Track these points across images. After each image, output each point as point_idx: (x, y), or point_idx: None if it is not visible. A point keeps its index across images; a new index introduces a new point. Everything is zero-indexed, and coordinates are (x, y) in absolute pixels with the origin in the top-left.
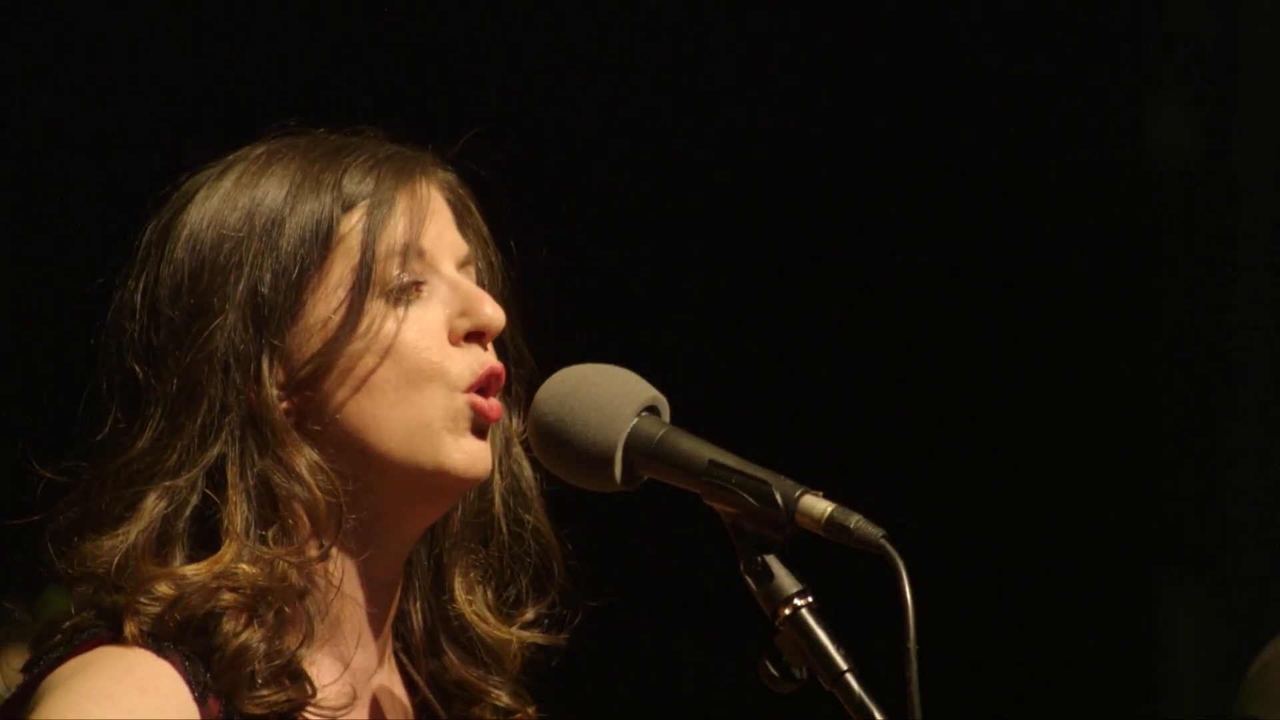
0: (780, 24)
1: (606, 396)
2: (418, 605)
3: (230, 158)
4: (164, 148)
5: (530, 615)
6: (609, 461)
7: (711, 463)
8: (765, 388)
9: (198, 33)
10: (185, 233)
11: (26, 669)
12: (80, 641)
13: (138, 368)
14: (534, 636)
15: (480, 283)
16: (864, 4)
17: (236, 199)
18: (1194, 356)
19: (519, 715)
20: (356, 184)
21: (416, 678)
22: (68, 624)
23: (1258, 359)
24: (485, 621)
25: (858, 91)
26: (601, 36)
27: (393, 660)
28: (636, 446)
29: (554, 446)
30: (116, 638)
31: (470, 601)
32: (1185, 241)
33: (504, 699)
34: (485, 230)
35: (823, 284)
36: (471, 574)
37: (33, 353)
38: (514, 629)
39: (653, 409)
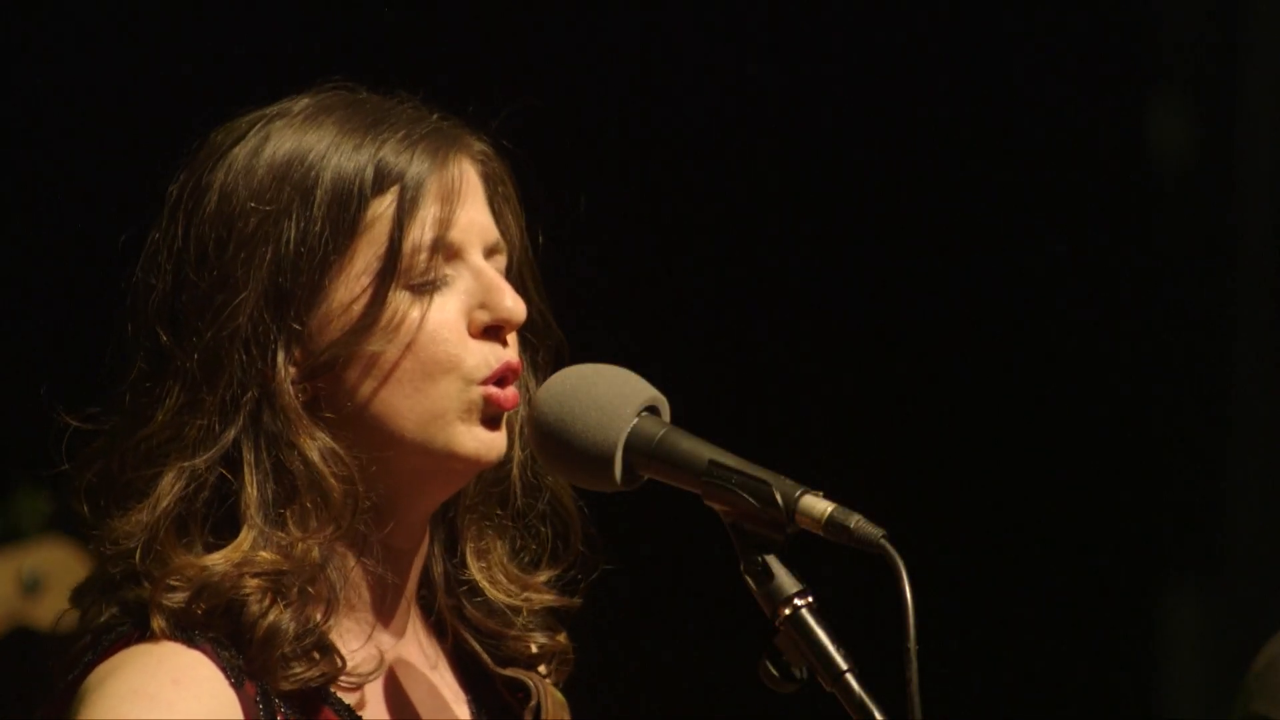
0: (783, 21)
1: (606, 396)
2: (438, 563)
3: (265, 113)
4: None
5: (544, 578)
6: (609, 462)
7: (711, 463)
8: (765, 387)
9: None
10: (215, 195)
11: (59, 678)
12: (108, 643)
13: (161, 331)
14: (546, 600)
15: (509, 265)
16: (865, 3)
17: (269, 167)
18: (1194, 356)
19: (550, 645)
20: (390, 164)
21: (448, 621)
22: (94, 624)
23: (1258, 359)
24: (496, 585)
25: (857, 91)
26: (608, 34)
27: (418, 617)
28: (636, 446)
29: (554, 446)
30: (144, 634)
31: (484, 568)
32: (1185, 241)
33: (535, 638)
34: (517, 200)
35: (821, 284)
36: (485, 539)
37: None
38: (526, 593)
39: (653, 409)
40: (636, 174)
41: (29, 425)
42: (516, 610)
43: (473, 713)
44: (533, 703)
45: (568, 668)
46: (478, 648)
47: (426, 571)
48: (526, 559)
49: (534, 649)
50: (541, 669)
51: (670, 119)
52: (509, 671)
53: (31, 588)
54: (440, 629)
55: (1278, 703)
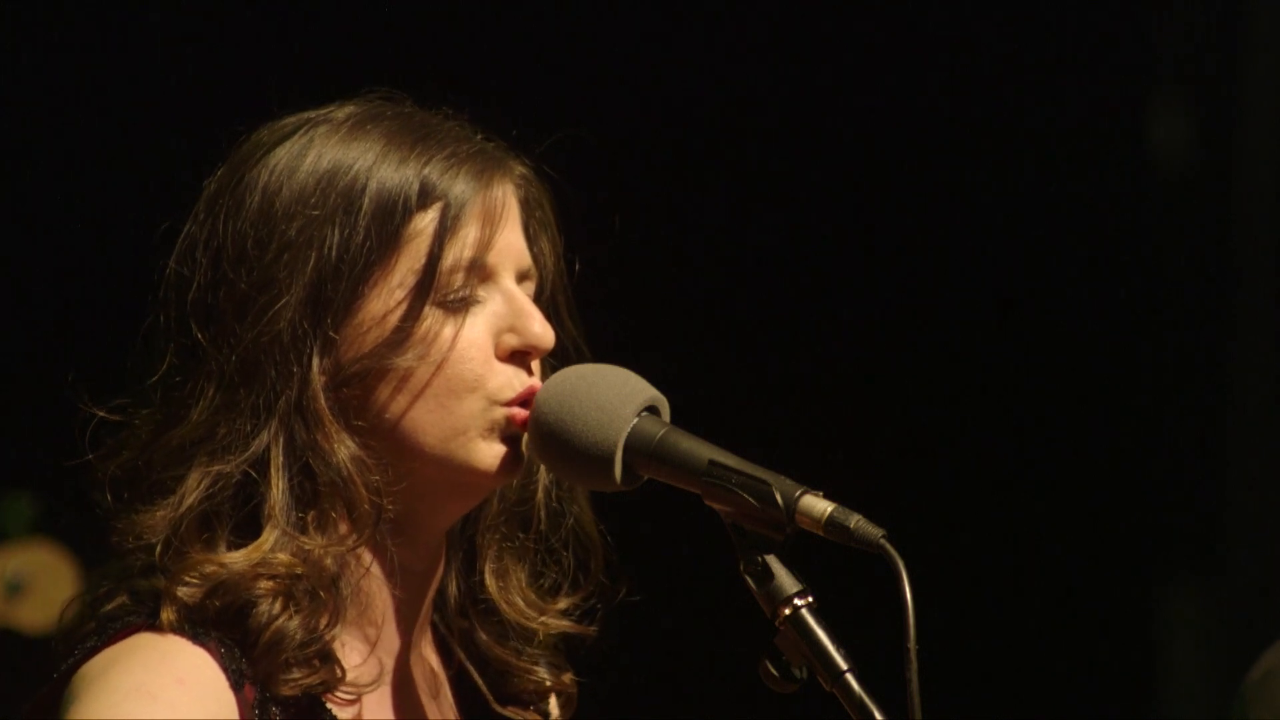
0: (781, 21)
1: (606, 396)
2: (453, 585)
3: (309, 117)
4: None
5: (562, 605)
6: (609, 461)
7: (712, 463)
8: (765, 387)
9: None
10: (257, 195)
11: (60, 659)
12: (114, 630)
13: (196, 329)
14: (563, 626)
15: (541, 290)
16: (864, 3)
17: (313, 172)
18: (1194, 356)
19: (553, 684)
20: (434, 182)
21: (455, 648)
22: (102, 610)
23: (1258, 359)
24: (513, 608)
25: (857, 91)
26: (604, 32)
27: (428, 637)
28: (636, 446)
29: (554, 446)
30: (152, 624)
31: (502, 589)
32: (1185, 241)
33: (539, 673)
34: (554, 225)
35: (822, 284)
36: (505, 560)
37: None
38: (543, 618)
39: (653, 409)
40: (636, 173)
41: (11, 430)
42: (531, 635)
43: None
44: None
45: (571, 708)
46: (480, 683)
47: (439, 594)
48: (546, 585)
49: (535, 685)
50: (550, 708)
51: (669, 118)
52: (509, 710)
53: (14, 590)
54: (447, 655)
55: (1276, 711)
